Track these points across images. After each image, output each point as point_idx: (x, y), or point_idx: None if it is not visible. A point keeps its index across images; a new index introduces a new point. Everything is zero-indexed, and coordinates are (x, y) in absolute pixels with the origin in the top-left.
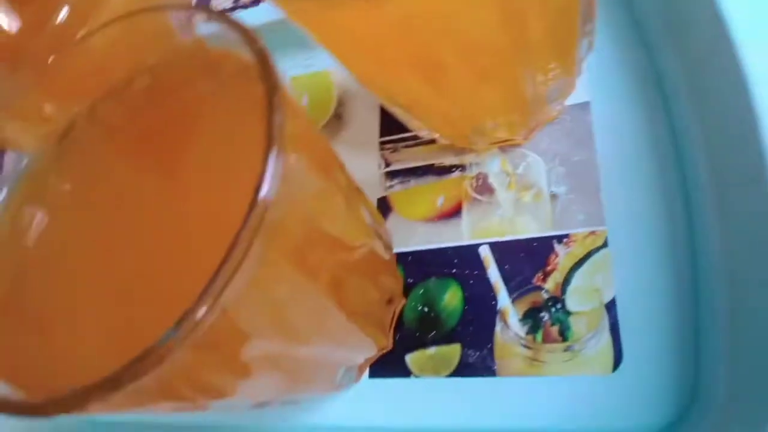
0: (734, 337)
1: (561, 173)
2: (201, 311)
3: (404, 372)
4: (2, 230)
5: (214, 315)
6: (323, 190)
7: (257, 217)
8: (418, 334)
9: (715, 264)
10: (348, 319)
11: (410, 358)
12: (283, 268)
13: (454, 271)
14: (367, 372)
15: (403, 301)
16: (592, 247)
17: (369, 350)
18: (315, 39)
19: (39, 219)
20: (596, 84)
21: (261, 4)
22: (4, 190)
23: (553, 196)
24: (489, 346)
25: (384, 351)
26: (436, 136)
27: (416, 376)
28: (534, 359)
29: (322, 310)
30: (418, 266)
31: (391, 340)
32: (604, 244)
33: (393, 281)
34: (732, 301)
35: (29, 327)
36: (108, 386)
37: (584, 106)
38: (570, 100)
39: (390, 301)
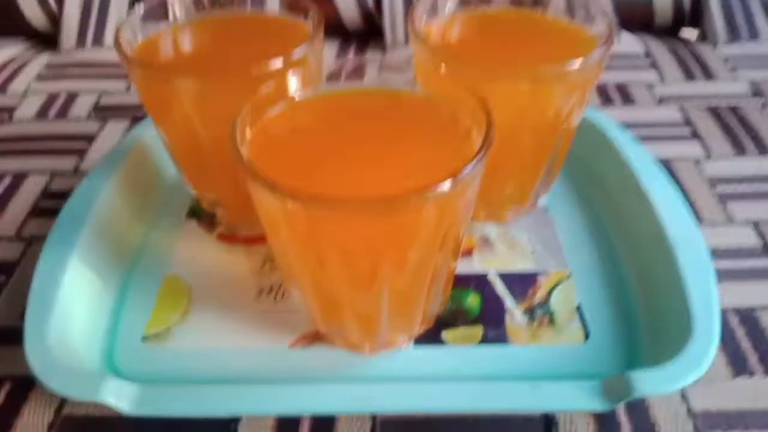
0: (649, 322)
1: (535, 240)
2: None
3: (441, 342)
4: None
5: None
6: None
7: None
8: (450, 321)
9: (630, 283)
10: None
11: (445, 334)
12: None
13: (472, 285)
14: (411, 343)
15: None
16: (562, 277)
17: (419, 325)
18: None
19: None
20: (552, 198)
21: None
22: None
23: (533, 252)
24: (503, 327)
25: (425, 329)
26: None
27: (451, 345)
28: (534, 335)
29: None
30: None
31: (432, 322)
32: (569, 276)
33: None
34: (644, 304)
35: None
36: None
37: (545, 210)
38: (538, 205)
39: None
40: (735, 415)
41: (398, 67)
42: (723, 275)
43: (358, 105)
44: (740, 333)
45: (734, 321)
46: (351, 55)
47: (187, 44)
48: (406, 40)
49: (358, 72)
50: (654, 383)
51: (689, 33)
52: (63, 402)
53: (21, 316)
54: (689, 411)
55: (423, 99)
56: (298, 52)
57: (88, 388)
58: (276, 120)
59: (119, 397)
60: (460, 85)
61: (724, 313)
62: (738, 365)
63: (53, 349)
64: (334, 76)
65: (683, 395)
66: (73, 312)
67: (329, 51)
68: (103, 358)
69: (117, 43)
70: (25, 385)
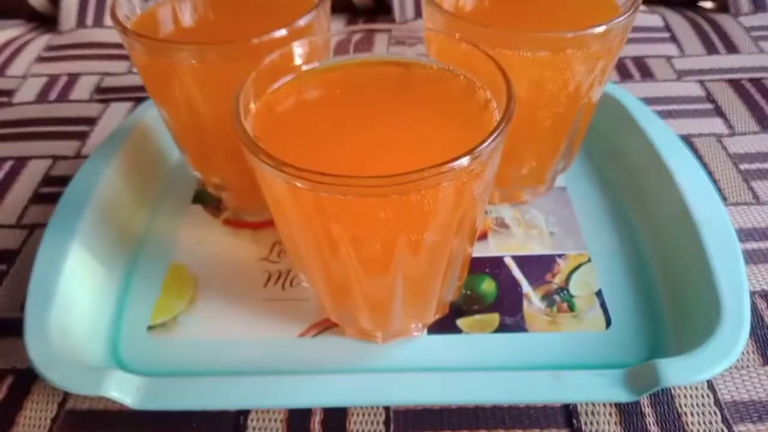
0: (674, 308)
1: (553, 221)
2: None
3: (456, 330)
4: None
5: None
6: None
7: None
8: (464, 307)
9: (653, 267)
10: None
11: (461, 322)
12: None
13: (487, 270)
14: (425, 330)
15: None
16: (581, 261)
17: (433, 312)
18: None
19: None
20: (570, 177)
21: None
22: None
23: (551, 233)
24: (520, 314)
25: (439, 316)
26: None
27: (466, 333)
28: (553, 322)
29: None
30: None
31: (447, 309)
32: (589, 260)
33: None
34: (668, 289)
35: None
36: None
37: (563, 189)
38: (555, 185)
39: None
40: (765, 405)
41: (408, 37)
42: (749, 257)
43: (368, 77)
44: None
45: (762, 305)
46: None
47: (187, 16)
48: (416, 16)
49: (367, 42)
50: (681, 373)
51: (708, 6)
52: (66, 395)
53: (23, 306)
54: (717, 401)
55: (437, 70)
56: (303, 20)
57: (91, 381)
58: (281, 93)
59: (123, 391)
60: (477, 52)
61: (752, 298)
62: (767, 352)
63: (54, 340)
64: (342, 47)
65: (710, 384)
66: (76, 302)
67: (336, 27)
68: (106, 349)
69: (113, 15)
70: (27, 378)
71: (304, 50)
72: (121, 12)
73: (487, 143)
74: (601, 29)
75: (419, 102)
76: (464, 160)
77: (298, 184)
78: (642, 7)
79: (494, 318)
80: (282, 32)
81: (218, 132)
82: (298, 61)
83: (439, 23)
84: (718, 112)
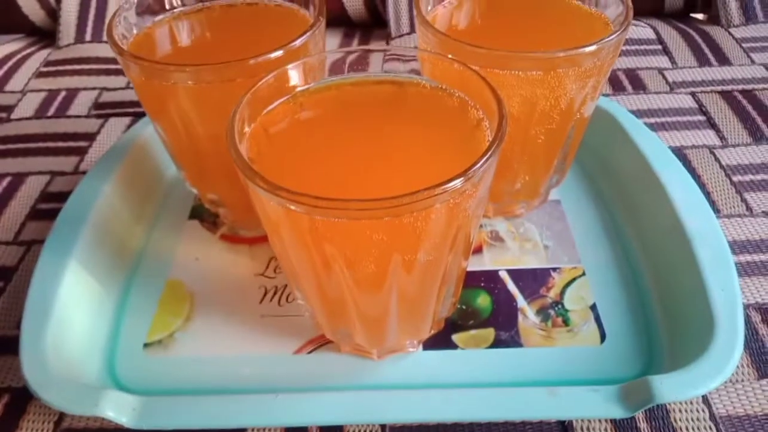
0: (668, 322)
1: (547, 234)
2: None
3: (451, 345)
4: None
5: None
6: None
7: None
8: (460, 323)
9: (646, 280)
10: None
11: (456, 337)
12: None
13: (482, 284)
14: (420, 346)
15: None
16: (576, 275)
17: (429, 328)
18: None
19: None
20: (563, 190)
21: None
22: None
23: (546, 246)
24: (515, 329)
25: (434, 332)
26: None
27: (462, 349)
28: (548, 336)
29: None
30: None
31: (442, 324)
32: (583, 274)
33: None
34: (662, 303)
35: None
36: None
37: (557, 202)
38: (549, 198)
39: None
40: (761, 420)
41: (403, 56)
42: (742, 270)
43: (362, 97)
44: (763, 331)
45: (756, 318)
46: (355, 45)
47: (183, 36)
48: (411, 30)
49: (362, 62)
50: (676, 388)
51: (699, 18)
52: (62, 414)
53: (19, 324)
54: (712, 415)
55: (430, 89)
56: (298, 41)
57: (87, 401)
58: (276, 114)
59: (119, 411)
60: (469, 73)
61: (746, 311)
62: (762, 366)
63: (50, 359)
64: (337, 67)
65: (705, 399)
66: (72, 319)
67: (332, 42)
68: (102, 367)
69: (110, 35)
70: (23, 397)
71: (298, 71)
72: (118, 32)
73: (479, 165)
74: (592, 48)
75: (413, 122)
76: (457, 182)
77: (293, 207)
78: (633, 20)
79: (489, 333)
80: (278, 53)
81: (214, 151)
82: (293, 82)
83: (432, 43)
84: (711, 123)
